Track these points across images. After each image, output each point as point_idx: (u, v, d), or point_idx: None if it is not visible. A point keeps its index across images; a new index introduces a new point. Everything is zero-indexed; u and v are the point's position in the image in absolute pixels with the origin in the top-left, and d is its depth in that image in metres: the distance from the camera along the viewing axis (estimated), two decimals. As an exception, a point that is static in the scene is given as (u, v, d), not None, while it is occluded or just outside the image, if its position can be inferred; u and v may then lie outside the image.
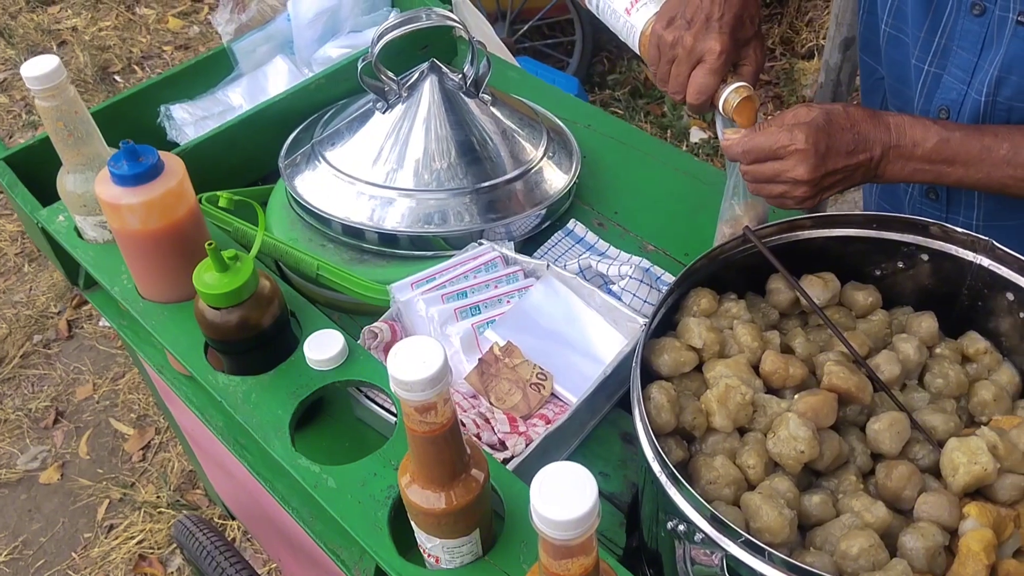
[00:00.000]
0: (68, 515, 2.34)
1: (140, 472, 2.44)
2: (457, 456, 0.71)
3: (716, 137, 3.25)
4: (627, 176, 1.38)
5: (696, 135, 3.22)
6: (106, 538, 2.29)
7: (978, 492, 0.78)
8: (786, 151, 0.89)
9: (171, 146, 1.33)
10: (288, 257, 1.12)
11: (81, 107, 0.99)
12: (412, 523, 0.76)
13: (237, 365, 0.95)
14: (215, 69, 1.44)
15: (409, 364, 0.62)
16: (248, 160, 1.32)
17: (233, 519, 2.20)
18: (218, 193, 0.95)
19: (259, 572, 2.19)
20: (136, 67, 3.81)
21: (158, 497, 2.34)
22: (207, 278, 0.89)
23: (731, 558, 0.68)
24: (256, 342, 0.93)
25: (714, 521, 0.68)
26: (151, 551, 2.26)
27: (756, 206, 1.03)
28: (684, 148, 3.16)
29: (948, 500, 0.74)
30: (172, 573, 2.21)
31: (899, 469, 0.76)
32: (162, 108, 1.35)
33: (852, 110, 0.91)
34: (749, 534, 0.72)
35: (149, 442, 2.51)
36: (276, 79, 1.42)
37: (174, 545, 2.24)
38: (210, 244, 0.87)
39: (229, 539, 2.23)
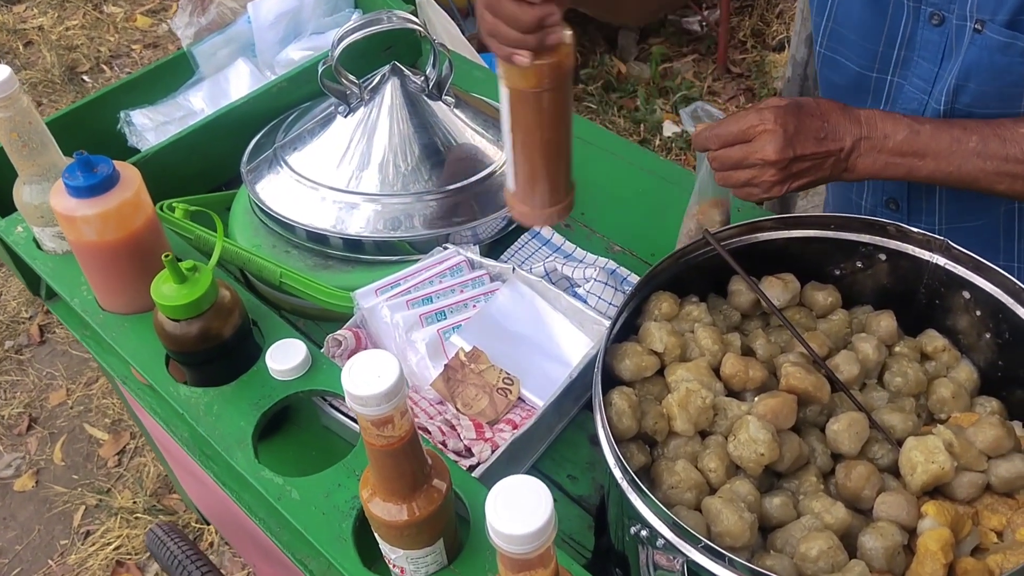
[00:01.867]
0: (44, 522, 2.32)
1: (116, 477, 2.42)
2: (417, 467, 0.70)
3: (689, 132, 3.25)
4: (594, 177, 1.38)
5: (669, 129, 3.23)
6: (83, 545, 2.27)
7: (936, 490, 0.79)
8: (754, 131, 0.89)
9: (132, 152, 1.32)
10: (251, 265, 1.12)
11: (35, 117, 0.98)
12: (376, 535, 0.76)
13: (199, 376, 0.94)
14: (176, 73, 1.42)
15: (364, 379, 0.62)
16: (210, 165, 1.31)
17: (208, 524, 2.19)
18: (175, 203, 0.95)
19: (238, 576, 2.19)
20: (104, 66, 3.77)
21: (134, 503, 2.33)
22: (165, 290, 0.88)
23: (692, 563, 0.68)
24: (217, 353, 0.92)
25: (675, 527, 0.69)
26: (128, 557, 2.24)
27: (720, 204, 1.03)
28: (657, 142, 3.16)
29: (906, 500, 0.75)
30: (150, 579, 2.20)
31: (858, 469, 0.77)
32: (122, 114, 1.33)
33: (823, 102, 0.92)
34: (710, 538, 0.73)
35: (124, 447, 2.49)
36: (238, 82, 1.41)
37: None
38: (166, 256, 0.86)
39: (207, 544, 2.23)
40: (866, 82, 1.05)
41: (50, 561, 2.23)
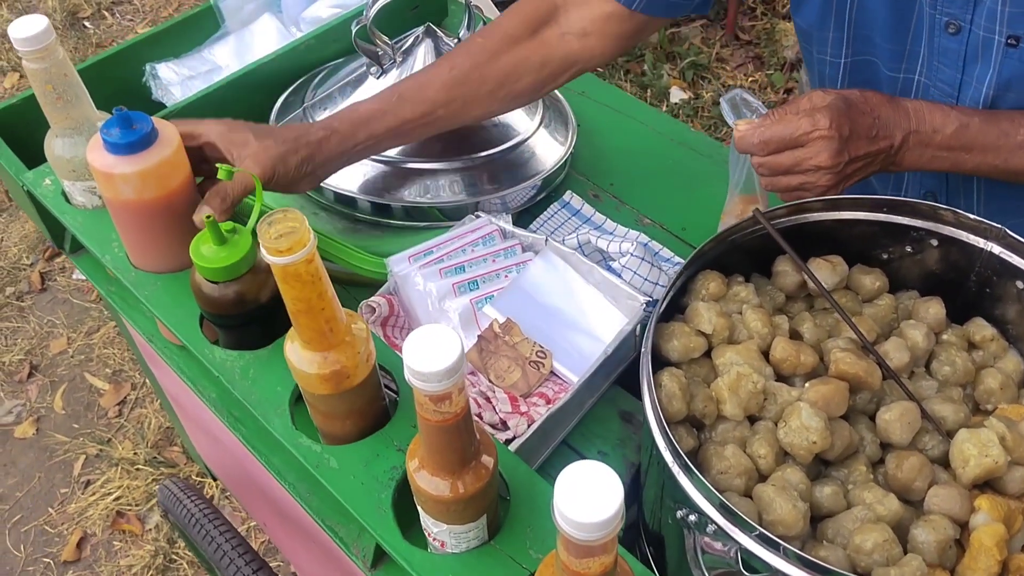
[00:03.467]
0: (44, 470, 2.32)
1: (116, 428, 2.41)
2: (468, 444, 0.69)
3: (697, 98, 3.19)
4: (622, 146, 1.36)
5: (676, 95, 3.19)
6: (83, 494, 2.27)
7: (987, 484, 0.78)
8: (808, 138, 0.85)
9: (157, 106, 1.29)
10: (281, 226, 1.09)
11: (70, 69, 0.95)
12: (419, 508, 0.75)
13: (235, 339, 0.92)
14: (201, 27, 1.38)
15: (426, 354, 0.61)
16: (237, 122, 1.28)
17: (213, 479, 2.19)
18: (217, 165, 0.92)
19: (239, 530, 2.20)
20: (106, 12, 3.69)
21: (135, 454, 2.32)
22: (204, 251, 0.86)
23: (744, 551, 0.68)
24: (254, 316, 0.90)
25: (728, 514, 0.68)
26: (129, 507, 2.25)
27: (762, 199, 1.01)
28: (664, 108, 3.13)
29: (959, 493, 0.74)
30: (150, 530, 2.20)
31: (910, 461, 0.76)
32: (147, 67, 1.30)
33: (869, 95, 0.89)
34: (762, 526, 0.72)
35: (125, 397, 2.49)
36: (264, 38, 1.37)
37: (152, 502, 2.22)
38: (208, 216, 0.84)
39: (208, 497, 2.23)
40: (894, 83, 1.02)
41: (50, 509, 2.23)
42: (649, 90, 3.19)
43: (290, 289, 0.72)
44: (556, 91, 1.35)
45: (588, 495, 0.54)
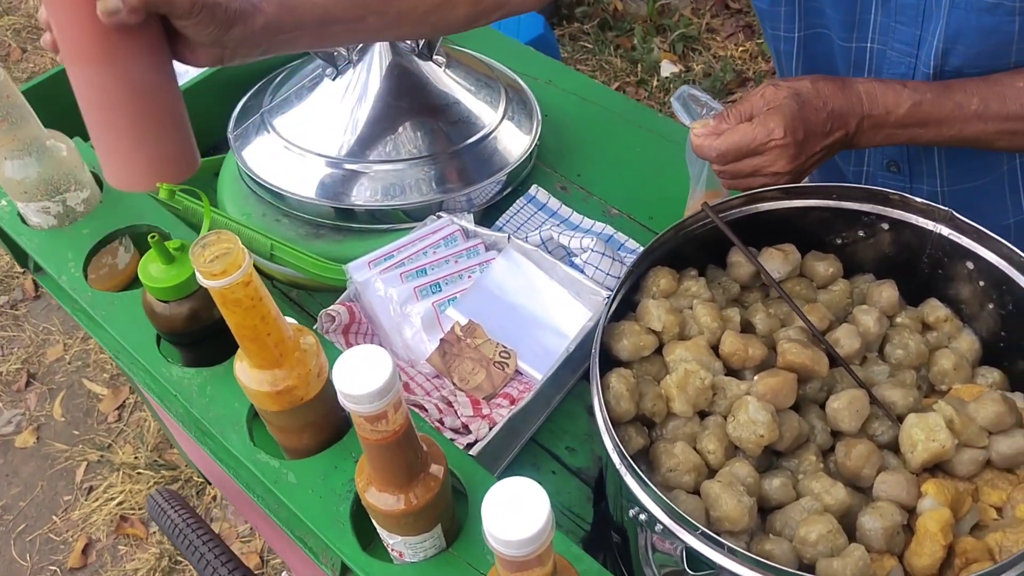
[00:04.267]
0: (47, 478, 2.34)
1: (116, 433, 2.43)
2: (413, 457, 0.70)
3: (688, 71, 3.15)
4: (590, 135, 1.35)
5: (667, 69, 3.17)
6: (86, 500, 2.30)
7: (937, 468, 0.78)
8: (764, 147, 0.86)
9: (116, 119, 1.28)
10: (240, 236, 1.09)
11: (13, 91, 0.94)
12: (373, 522, 0.76)
13: (192, 357, 0.93)
14: (159, 34, 1.38)
15: (356, 376, 0.61)
16: (197, 129, 1.26)
17: (209, 483, 2.21)
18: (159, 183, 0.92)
19: (240, 530, 2.22)
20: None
21: (136, 458, 2.34)
22: (152, 270, 0.86)
23: (690, 549, 0.68)
24: (209, 332, 0.90)
25: (672, 514, 0.68)
26: (132, 512, 2.27)
27: (722, 194, 1.00)
28: (655, 82, 3.11)
29: (906, 479, 0.74)
30: (154, 533, 2.22)
31: (858, 449, 0.76)
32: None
33: (821, 85, 0.88)
34: (709, 522, 0.73)
35: (124, 402, 2.50)
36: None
37: (155, 507, 2.25)
38: (152, 237, 0.84)
39: (210, 497, 2.25)
40: (847, 53, 1.02)
41: (54, 517, 2.26)
42: (639, 65, 3.17)
43: (231, 315, 0.72)
44: (520, 81, 1.34)
45: (515, 513, 0.55)
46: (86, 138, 0.92)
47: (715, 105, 0.95)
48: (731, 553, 0.66)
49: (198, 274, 0.69)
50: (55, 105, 1.04)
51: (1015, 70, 0.90)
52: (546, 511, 0.55)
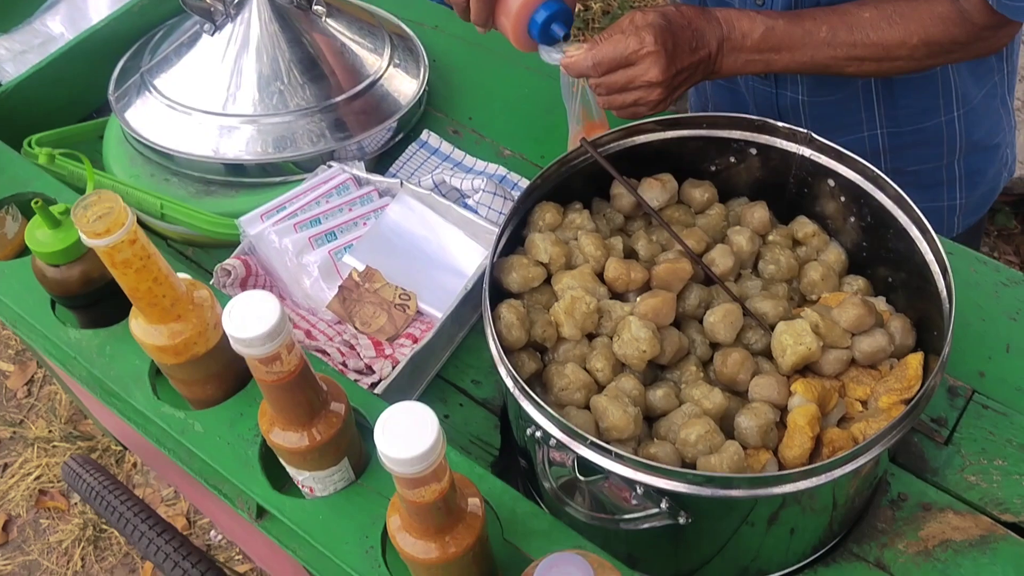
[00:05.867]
0: (-42, 459, 2.29)
1: (28, 408, 2.38)
2: (313, 396, 0.72)
3: (586, 10, 3.14)
4: (480, 79, 1.37)
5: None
6: (1, 477, 2.25)
7: (807, 368, 0.85)
8: (637, 56, 0.91)
9: (-10, 85, 1.25)
10: (129, 198, 1.09)
11: None
12: (281, 460, 0.78)
13: (89, 319, 0.93)
14: (29, -4, 1.34)
15: (245, 321, 0.63)
16: (77, 94, 1.25)
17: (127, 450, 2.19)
18: (40, 147, 0.91)
19: (164, 494, 2.21)
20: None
21: (50, 431, 2.31)
22: (39, 236, 0.86)
23: (582, 459, 0.73)
24: (102, 294, 0.90)
25: (564, 428, 0.73)
26: (51, 485, 2.24)
27: (602, 126, 1.04)
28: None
29: (777, 380, 0.80)
30: (76, 504, 2.20)
31: (733, 356, 0.82)
32: (-26, 45, 1.25)
33: (684, 8, 0.93)
34: (599, 433, 0.78)
35: (32, 377, 2.45)
36: (97, 2, 1.33)
37: (72, 479, 2.22)
38: (36, 202, 0.84)
39: (130, 464, 2.23)
40: None
41: (-31, 497, 2.21)
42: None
43: (123, 277, 0.73)
44: (405, 27, 1.34)
45: (405, 433, 0.58)
46: None
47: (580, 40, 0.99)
48: (617, 458, 0.71)
49: (82, 235, 0.69)
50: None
51: (860, 1, 0.96)
52: (435, 429, 0.58)
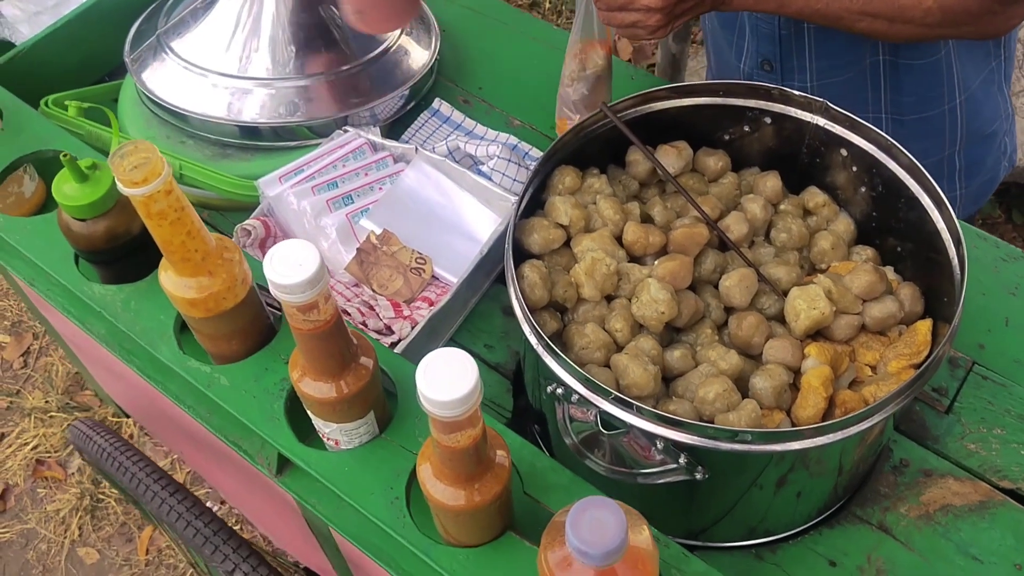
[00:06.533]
0: (-46, 428, 2.29)
1: (24, 379, 2.38)
2: (344, 347, 0.74)
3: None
4: (489, 49, 1.38)
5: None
6: (-1, 447, 2.26)
7: (818, 333, 0.87)
8: None
9: (5, 46, 1.25)
10: (149, 159, 1.09)
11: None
12: (309, 412, 0.80)
13: (112, 274, 0.94)
14: (42, -43, 1.33)
15: (286, 268, 0.64)
16: (92, 55, 1.25)
17: (127, 417, 2.20)
18: (66, 100, 0.91)
19: (160, 465, 2.22)
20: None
21: (47, 402, 2.31)
22: (67, 190, 0.87)
23: (604, 413, 0.75)
24: (127, 250, 0.91)
25: (587, 383, 0.75)
26: (48, 455, 2.25)
27: (603, 44, 1.06)
28: (548, 4, 3.12)
29: (791, 343, 0.83)
30: (73, 473, 2.21)
31: (748, 319, 0.84)
32: (-11, 4, 1.25)
33: None
34: (619, 391, 0.80)
35: (28, 348, 2.45)
36: (111, -36, 1.33)
37: (71, 447, 2.22)
38: (64, 155, 0.85)
39: (127, 435, 2.24)
40: None
41: (-35, 467, 2.21)
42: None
43: (158, 229, 0.74)
44: (417, -2, 1.35)
45: (447, 377, 0.60)
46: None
47: None
48: (639, 412, 0.73)
49: (119, 184, 0.70)
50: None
51: None
52: (474, 374, 0.60)
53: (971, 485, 0.93)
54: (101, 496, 2.16)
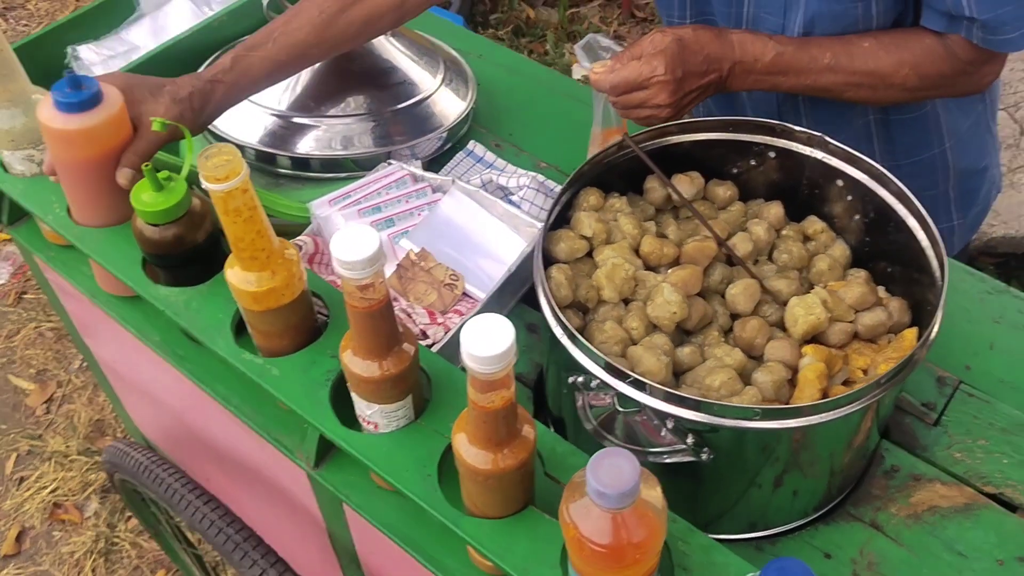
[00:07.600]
0: (-25, 471, 2.34)
1: (46, 424, 2.44)
2: (391, 329, 0.83)
3: (586, 68, 3.35)
4: (519, 101, 1.51)
5: (578, 72, 3.38)
6: (18, 490, 2.30)
7: (815, 339, 0.96)
8: (649, 82, 1.03)
9: (81, 85, 1.38)
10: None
11: (5, 45, 1.04)
12: (352, 393, 0.89)
13: (174, 278, 1.04)
14: (116, 11, 1.48)
15: (350, 246, 0.74)
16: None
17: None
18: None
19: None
20: None
21: (67, 447, 2.36)
22: (144, 198, 0.98)
23: (621, 396, 0.84)
24: (192, 255, 1.02)
25: (606, 367, 0.84)
26: (65, 498, 2.29)
27: (621, 132, 1.18)
28: (567, 83, 3.30)
29: (790, 344, 0.92)
30: (89, 517, 2.25)
31: (751, 322, 0.93)
32: (69, 49, 1.39)
33: (700, 33, 1.06)
34: (634, 379, 0.88)
35: (51, 395, 2.52)
36: (178, 19, 1.47)
37: (89, 491, 2.27)
38: (146, 166, 0.96)
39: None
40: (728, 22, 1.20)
41: (-15, 508, 2.26)
42: (552, 67, 3.36)
43: (232, 225, 0.84)
44: (455, 54, 1.49)
45: (487, 338, 0.69)
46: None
47: (616, 48, 1.13)
48: (652, 391, 0.82)
49: (203, 180, 0.81)
50: (31, 68, 1.14)
51: (862, 33, 1.09)
52: (511, 336, 0.69)
53: (957, 489, 1.00)
54: (116, 539, 2.19)
